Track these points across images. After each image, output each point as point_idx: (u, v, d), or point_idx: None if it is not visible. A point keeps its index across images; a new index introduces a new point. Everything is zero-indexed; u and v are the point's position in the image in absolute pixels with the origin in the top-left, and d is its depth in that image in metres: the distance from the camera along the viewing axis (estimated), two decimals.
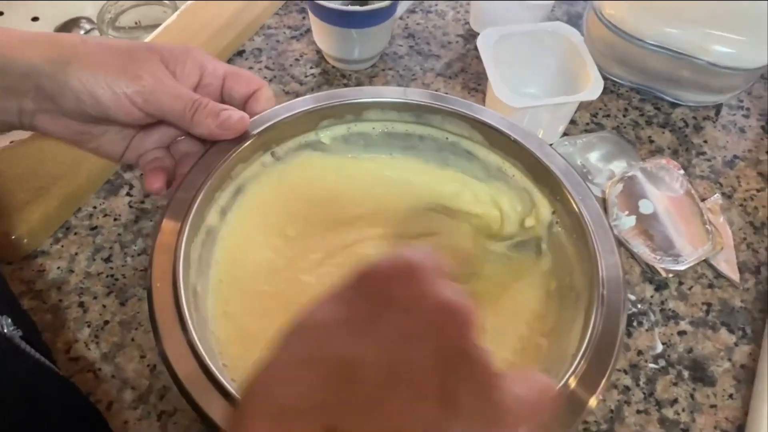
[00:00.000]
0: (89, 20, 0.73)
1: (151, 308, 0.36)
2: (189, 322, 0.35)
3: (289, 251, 0.44)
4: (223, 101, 0.43)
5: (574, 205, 0.41)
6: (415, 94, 0.47)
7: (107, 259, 0.53)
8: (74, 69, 0.38)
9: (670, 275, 0.54)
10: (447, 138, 0.48)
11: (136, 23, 0.71)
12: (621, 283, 0.38)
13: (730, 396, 0.49)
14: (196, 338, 0.34)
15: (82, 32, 0.71)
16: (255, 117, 0.44)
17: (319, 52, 0.68)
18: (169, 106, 0.40)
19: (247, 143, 0.43)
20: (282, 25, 0.71)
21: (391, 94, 0.47)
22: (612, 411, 0.48)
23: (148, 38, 0.63)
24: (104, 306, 0.50)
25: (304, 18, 0.72)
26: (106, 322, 0.50)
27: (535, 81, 0.64)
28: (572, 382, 0.34)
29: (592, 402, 0.33)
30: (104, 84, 0.38)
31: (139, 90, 0.39)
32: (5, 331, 0.36)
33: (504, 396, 0.24)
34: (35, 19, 0.72)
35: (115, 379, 0.47)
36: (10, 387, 0.35)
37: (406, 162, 0.50)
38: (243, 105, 0.44)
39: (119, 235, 0.54)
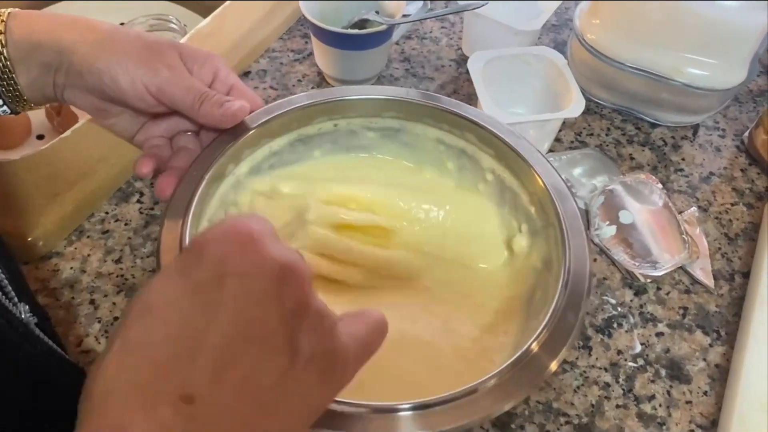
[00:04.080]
0: None
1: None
2: None
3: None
4: None
5: (541, 182, 0.45)
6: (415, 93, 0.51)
7: (118, 261, 0.56)
8: (104, 52, 0.43)
9: (649, 281, 0.57)
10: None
11: None
12: (586, 258, 0.42)
13: (705, 393, 0.52)
14: None
15: None
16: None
17: (320, 73, 0.73)
18: (180, 97, 0.44)
19: (232, 146, 0.47)
20: (286, 48, 0.76)
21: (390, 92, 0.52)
22: (593, 405, 0.50)
23: None
24: (114, 303, 0.53)
25: (306, 42, 0.76)
26: (116, 318, 0.53)
27: (521, 101, 0.68)
28: (534, 347, 0.37)
29: (553, 366, 0.37)
30: (125, 70, 0.43)
31: (155, 81, 0.43)
32: (23, 316, 0.39)
33: (341, 337, 0.28)
34: None
35: None
36: (25, 368, 0.37)
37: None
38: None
39: (129, 238, 0.58)
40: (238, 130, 0.47)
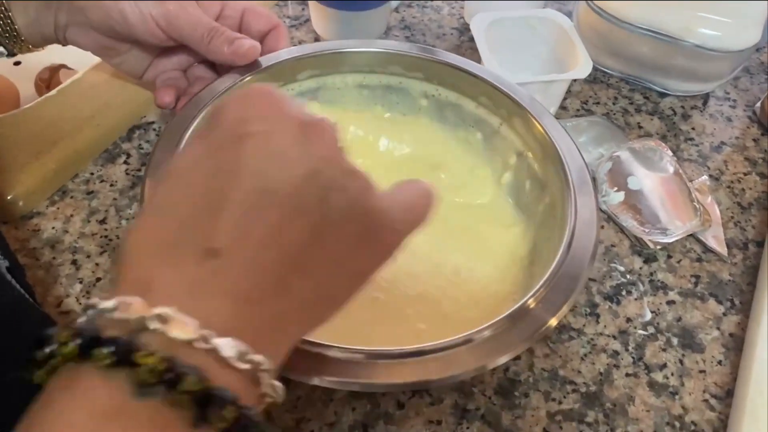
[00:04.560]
0: None
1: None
2: None
3: None
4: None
5: (547, 137, 0.44)
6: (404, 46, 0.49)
7: (102, 221, 0.53)
8: None
9: (659, 248, 0.55)
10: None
11: None
12: (594, 218, 0.39)
13: (719, 362, 0.49)
14: None
15: None
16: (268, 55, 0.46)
17: (317, 39, 0.70)
18: (189, 31, 0.42)
19: (249, 77, 0.45)
20: (282, 15, 0.73)
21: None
22: (601, 374, 0.48)
23: None
24: (97, 264, 0.51)
25: (303, 9, 0.74)
26: (98, 279, 0.50)
27: (526, 67, 0.65)
28: (531, 303, 0.35)
29: (553, 321, 0.35)
30: (133, 3, 0.41)
31: (164, 13, 0.41)
32: None
33: (378, 200, 0.26)
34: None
35: None
36: None
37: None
38: (259, 40, 0.46)
39: (115, 199, 0.55)
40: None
